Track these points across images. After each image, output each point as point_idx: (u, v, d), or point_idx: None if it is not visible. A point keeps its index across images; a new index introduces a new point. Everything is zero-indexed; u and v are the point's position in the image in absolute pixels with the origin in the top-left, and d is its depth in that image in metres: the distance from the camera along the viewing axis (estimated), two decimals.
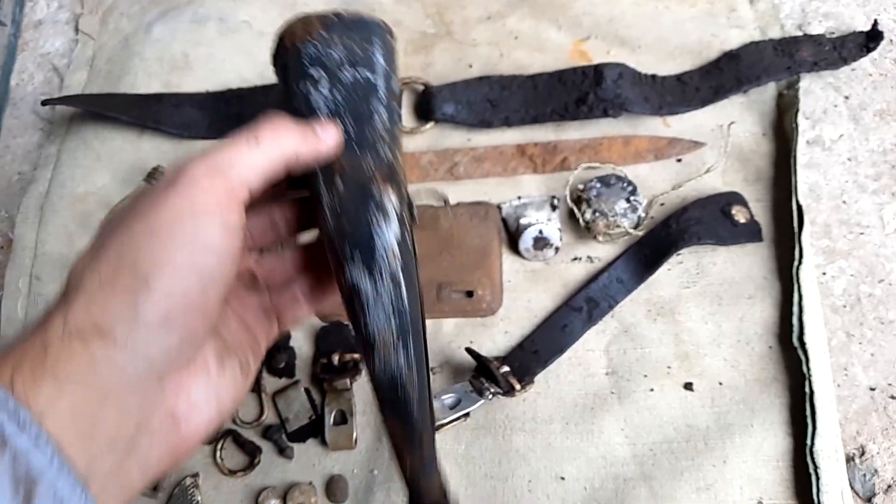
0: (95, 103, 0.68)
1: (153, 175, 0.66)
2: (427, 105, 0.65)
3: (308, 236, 0.38)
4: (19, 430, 0.24)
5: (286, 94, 0.34)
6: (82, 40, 0.75)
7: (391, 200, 0.34)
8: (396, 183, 0.34)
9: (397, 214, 0.34)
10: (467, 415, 0.54)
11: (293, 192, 0.37)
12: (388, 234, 0.34)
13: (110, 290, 0.27)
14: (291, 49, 0.33)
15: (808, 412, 0.50)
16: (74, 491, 0.25)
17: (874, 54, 0.63)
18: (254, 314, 0.35)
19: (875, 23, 0.62)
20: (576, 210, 0.58)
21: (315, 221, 0.36)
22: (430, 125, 0.65)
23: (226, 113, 0.68)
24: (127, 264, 0.27)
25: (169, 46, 0.72)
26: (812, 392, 0.51)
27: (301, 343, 0.60)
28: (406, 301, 0.34)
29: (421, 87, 0.66)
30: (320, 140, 0.32)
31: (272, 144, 0.31)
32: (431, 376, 0.57)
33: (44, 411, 0.25)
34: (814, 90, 0.63)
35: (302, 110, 0.33)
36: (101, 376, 0.26)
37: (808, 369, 0.51)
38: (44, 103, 0.69)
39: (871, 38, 0.62)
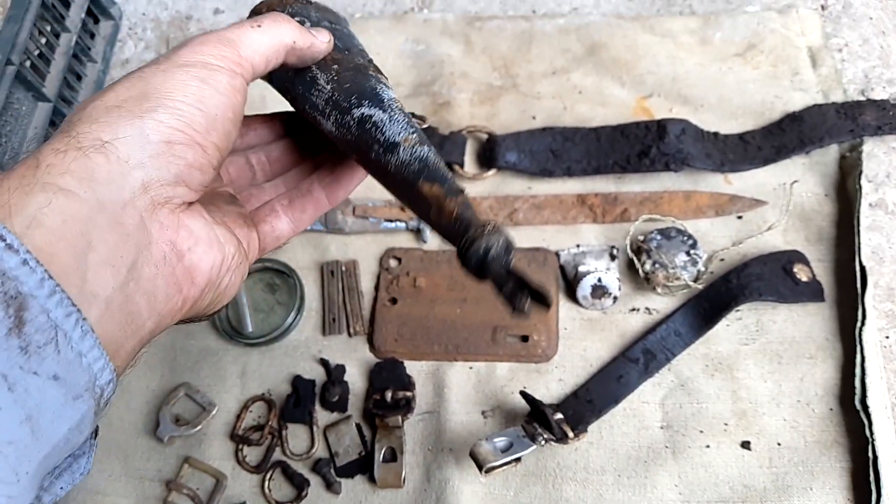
0: None
1: None
2: (490, 153, 0.66)
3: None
4: (7, 250, 0.23)
5: None
6: None
7: (386, 81, 0.37)
8: (385, 76, 0.38)
9: (392, 91, 0.37)
10: (518, 460, 0.53)
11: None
12: (391, 93, 0.36)
13: (117, 113, 0.28)
14: (269, 8, 0.38)
15: (871, 478, 0.49)
16: (69, 317, 0.24)
17: None
18: (233, 220, 0.36)
19: None
20: (635, 260, 0.59)
21: (304, 130, 0.40)
22: (492, 172, 0.66)
23: None
24: (136, 94, 0.29)
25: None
26: (876, 457, 0.49)
27: (355, 378, 0.61)
28: (418, 128, 0.35)
29: (485, 136, 0.68)
30: (315, 37, 0.35)
31: (273, 31, 0.33)
32: (483, 420, 0.57)
33: (32, 220, 0.24)
34: (877, 154, 0.63)
35: None
36: (98, 187, 0.26)
37: (872, 433, 0.50)
38: None
39: None
